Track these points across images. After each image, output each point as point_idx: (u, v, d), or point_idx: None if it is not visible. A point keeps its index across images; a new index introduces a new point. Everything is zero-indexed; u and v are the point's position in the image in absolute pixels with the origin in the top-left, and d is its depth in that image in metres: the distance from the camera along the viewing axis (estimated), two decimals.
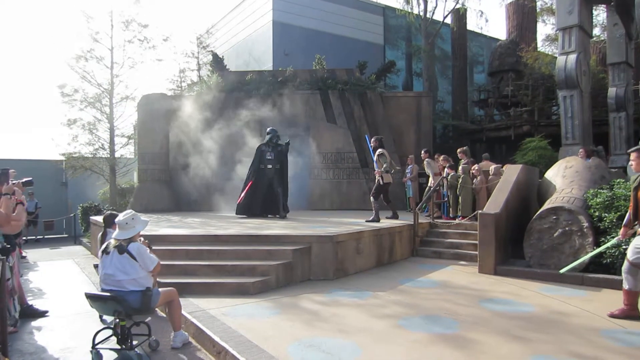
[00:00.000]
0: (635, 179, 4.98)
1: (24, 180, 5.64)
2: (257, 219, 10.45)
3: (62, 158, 16.21)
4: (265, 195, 10.87)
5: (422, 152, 11.91)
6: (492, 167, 10.09)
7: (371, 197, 9.72)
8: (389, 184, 9.69)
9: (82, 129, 15.34)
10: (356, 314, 5.06)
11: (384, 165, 9.49)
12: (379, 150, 9.70)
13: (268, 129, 11.22)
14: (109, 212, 6.08)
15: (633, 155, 5.04)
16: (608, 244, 5.81)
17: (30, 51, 60.17)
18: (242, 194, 10.98)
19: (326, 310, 5.21)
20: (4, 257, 4.03)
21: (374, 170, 9.95)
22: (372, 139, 10.16)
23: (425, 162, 11.49)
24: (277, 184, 10.79)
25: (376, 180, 9.71)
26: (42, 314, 5.73)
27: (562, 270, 6.06)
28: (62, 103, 15.17)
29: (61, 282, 7.98)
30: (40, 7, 59.15)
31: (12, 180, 5.12)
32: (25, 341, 4.80)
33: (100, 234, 5.93)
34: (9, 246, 4.75)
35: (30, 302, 5.91)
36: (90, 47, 15.11)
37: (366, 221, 9.23)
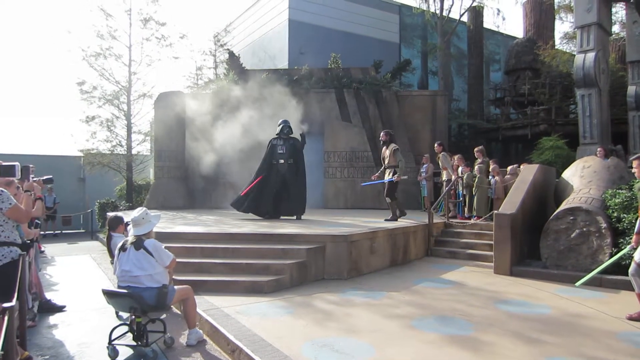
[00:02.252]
0: None
1: (45, 178, 5.75)
2: (266, 220, 9.69)
3: (80, 154, 16.45)
4: (277, 194, 9.80)
5: (436, 145, 11.61)
6: (509, 167, 10.00)
7: (386, 198, 9.53)
8: (397, 182, 9.51)
9: (100, 125, 15.57)
10: (369, 314, 5.06)
11: (399, 162, 9.26)
12: (393, 145, 9.32)
13: (280, 121, 10.24)
14: (113, 215, 6.06)
15: (635, 163, 5.04)
16: (621, 253, 5.72)
17: (49, 47, 61.07)
18: (247, 189, 9.86)
19: (339, 310, 5.21)
20: (25, 252, 4.11)
21: (388, 168, 9.53)
22: (383, 132, 9.66)
23: (440, 156, 11.26)
24: (292, 182, 9.78)
25: (387, 181, 9.34)
26: (59, 308, 5.84)
27: (577, 284, 6.03)
28: (81, 100, 15.41)
29: (78, 277, 8.13)
30: (63, 4, 59.96)
31: (32, 177, 5.21)
32: (43, 335, 4.90)
33: (106, 237, 5.98)
34: (29, 241, 4.84)
35: (48, 297, 6.02)
36: (109, 45, 15.30)
37: (385, 220, 9.20)
